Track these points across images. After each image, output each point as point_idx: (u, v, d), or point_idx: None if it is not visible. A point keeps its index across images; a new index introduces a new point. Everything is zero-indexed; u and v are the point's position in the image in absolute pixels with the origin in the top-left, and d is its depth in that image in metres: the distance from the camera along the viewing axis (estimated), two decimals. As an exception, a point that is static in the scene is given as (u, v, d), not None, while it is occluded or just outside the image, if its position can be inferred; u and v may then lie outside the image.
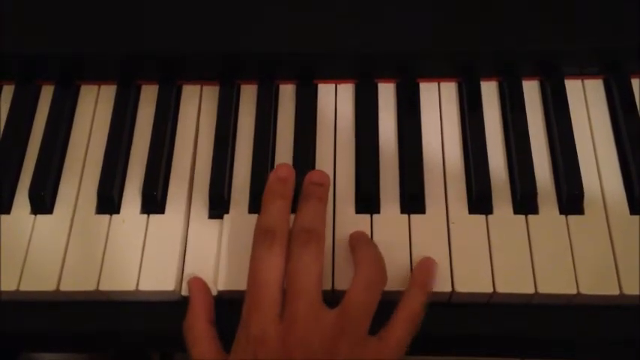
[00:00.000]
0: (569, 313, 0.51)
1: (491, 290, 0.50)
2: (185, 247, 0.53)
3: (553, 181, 0.54)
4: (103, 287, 0.51)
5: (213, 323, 0.50)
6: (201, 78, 0.60)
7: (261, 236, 0.49)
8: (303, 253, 0.47)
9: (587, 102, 0.58)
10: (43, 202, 0.54)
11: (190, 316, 0.50)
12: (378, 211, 0.53)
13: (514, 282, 0.50)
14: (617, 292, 0.49)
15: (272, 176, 0.52)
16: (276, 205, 0.50)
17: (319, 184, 0.52)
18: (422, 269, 0.50)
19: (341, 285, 0.50)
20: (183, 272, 0.52)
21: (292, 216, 0.50)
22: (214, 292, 0.51)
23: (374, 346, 0.46)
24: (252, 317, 0.46)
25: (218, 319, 0.50)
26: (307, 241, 0.48)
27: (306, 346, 0.45)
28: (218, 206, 0.54)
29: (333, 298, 0.47)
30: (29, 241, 0.53)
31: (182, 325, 0.50)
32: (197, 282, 0.51)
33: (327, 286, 0.50)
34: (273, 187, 0.51)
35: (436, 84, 0.59)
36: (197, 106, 0.59)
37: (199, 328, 0.49)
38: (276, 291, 0.47)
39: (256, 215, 0.51)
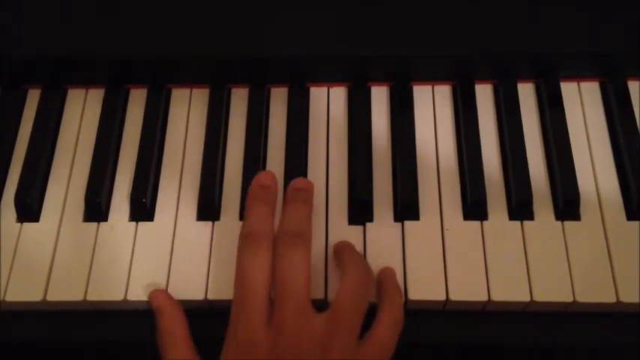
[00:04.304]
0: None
1: (486, 299, 0.49)
2: (174, 255, 0.52)
3: (549, 186, 0.53)
4: (91, 297, 0.50)
5: (188, 330, 0.48)
6: (191, 81, 0.59)
7: (246, 240, 0.48)
8: (290, 255, 0.47)
9: (583, 105, 0.57)
10: (29, 209, 0.53)
11: (167, 321, 0.48)
12: (371, 219, 0.52)
13: (509, 290, 0.49)
14: (614, 299, 0.49)
15: (254, 183, 0.51)
16: (259, 210, 0.50)
17: (302, 189, 0.51)
18: (389, 275, 0.50)
19: (333, 295, 0.48)
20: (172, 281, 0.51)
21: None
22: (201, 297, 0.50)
23: (363, 349, 0.45)
24: (240, 322, 0.45)
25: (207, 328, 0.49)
26: (294, 243, 0.47)
27: (296, 350, 0.44)
28: (208, 213, 0.53)
29: (324, 309, 0.46)
30: (15, 250, 0.52)
31: (157, 331, 0.48)
32: (161, 294, 0.49)
33: (320, 296, 0.49)
34: (255, 193, 0.51)
35: (430, 87, 0.58)
36: (187, 110, 0.58)
37: (179, 332, 0.48)
38: (263, 295, 0.46)
39: (247, 222, 0.50)
